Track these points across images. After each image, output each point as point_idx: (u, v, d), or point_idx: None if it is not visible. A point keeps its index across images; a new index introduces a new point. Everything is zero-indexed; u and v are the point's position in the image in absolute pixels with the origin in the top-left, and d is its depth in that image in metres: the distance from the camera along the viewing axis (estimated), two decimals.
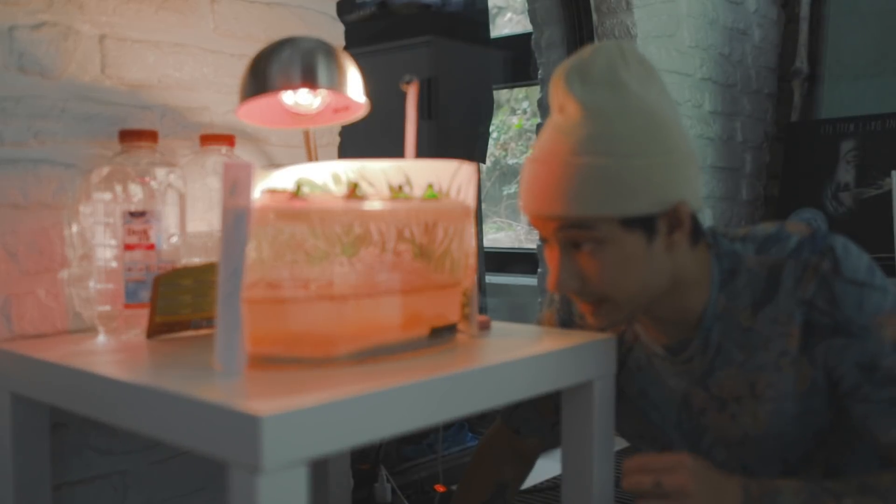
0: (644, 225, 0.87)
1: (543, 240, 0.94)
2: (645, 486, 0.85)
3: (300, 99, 1.04)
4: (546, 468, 1.57)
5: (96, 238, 1.00)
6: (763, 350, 0.94)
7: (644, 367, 1.03)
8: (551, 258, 0.93)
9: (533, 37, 2.45)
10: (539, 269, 2.46)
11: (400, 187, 0.87)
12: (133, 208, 0.98)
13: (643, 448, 1.10)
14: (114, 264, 0.99)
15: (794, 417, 0.93)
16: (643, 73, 0.90)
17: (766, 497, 0.85)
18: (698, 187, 0.92)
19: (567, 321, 1.12)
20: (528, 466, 1.22)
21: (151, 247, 0.99)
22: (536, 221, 0.91)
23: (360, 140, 1.55)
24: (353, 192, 0.82)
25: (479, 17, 3.05)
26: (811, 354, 0.91)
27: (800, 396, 0.92)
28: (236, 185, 0.75)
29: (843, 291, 0.89)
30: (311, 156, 1.18)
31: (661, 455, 0.88)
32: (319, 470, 1.31)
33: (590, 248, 0.88)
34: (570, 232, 0.88)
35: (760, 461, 0.97)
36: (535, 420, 1.16)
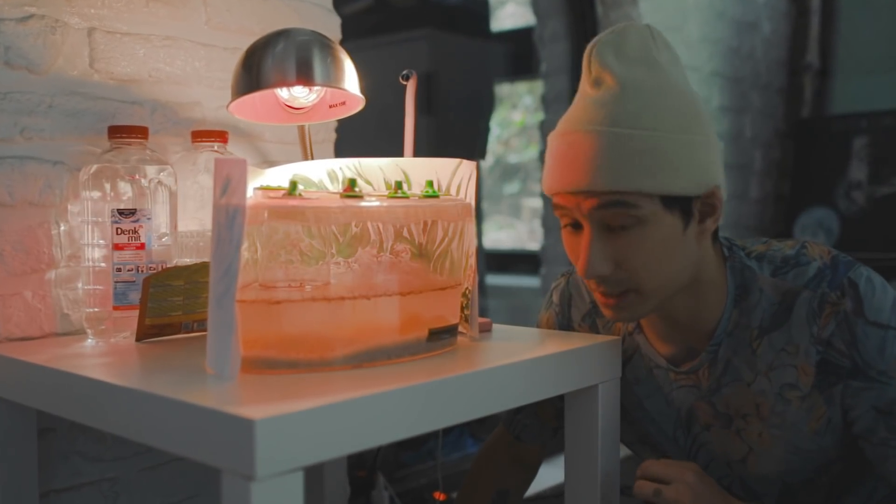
0: (682, 206, 0.87)
1: (570, 223, 0.91)
2: (647, 493, 0.87)
3: (295, 93, 1.04)
4: (549, 475, 1.57)
5: (84, 238, 1.00)
6: (764, 377, 0.93)
7: (642, 380, 1.03)
8: (576, 243, 0.90)
9: (535, 29, 2.45)
10: (542, 270, 2.46)
11: (398, 185, 0.87)
12: (122, 207, 0.98)
13: (645, 454, 1.10)
14: (102, 265, 0.99)
15: (802, 451, 0.93)
16: (671, 57, 0.91)
17: None
18: (722, 175, 0.92)
19: (565, 324, 1.12)
20: (531, 473, 1.22)
21: (141, 246, 0.99)
22: (568, 199, 0.88)
23: (357, 136, 1.55)
24: (350, 189, 0.82)
25: (480, 10, 3.05)
26: (828, 394, 0.90)
27: (812, 434, 0.92)
28: (229, 182, 0.75)
29: (865, 334, 0.87)
30: (307, 152, 1.18)
31: (669, 464, 0.89)
32: (315, 477, 1.31)
33: (627, 229, 0.86)
34: (610, 211, 0.85)
35: (760, 481, 0.97)
36: (537, 426, 1.16)
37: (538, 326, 1.16)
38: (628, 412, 1.05)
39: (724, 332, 0.94)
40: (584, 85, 0.90)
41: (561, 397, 1.05)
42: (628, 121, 0.85)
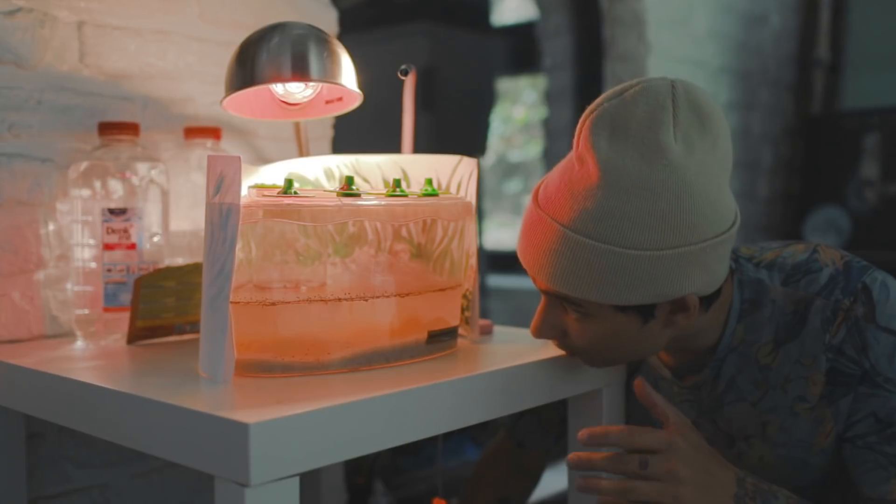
0: (640, 311, 0.84)
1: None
2: (629, 467, 0.81)
3: (291, 89, 1.04)
4: (552, 482, 1.57)
5: (74, 237, 1.00)
6: (780, 390, 0.92)
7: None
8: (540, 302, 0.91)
9: (538, 23, 2.45)
10: None
11: (396, 183, 0.87)
12: (113, 205, 0.98)
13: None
14: (92, 265, 0.99)
15: (807, 468, 0.92)
16: (693, 127, 0.81)
17: (761, 495, 0.83)
18: (724, 265, 0.86)
19: None
20: (533, 481, 1.22)
21: (132, 246, 0.99)
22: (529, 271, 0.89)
23: (355, 133, 1.55)
24: (347, 187, 0.82)
25: (481, 3, 3.05)
26: (836, 407, 0.89)
27: (819, 452, 0.91)
28: (222, 180, 0.75)
29: (875, 339, 0.86)
30: (302, 150, 1.18)
31: (649, 431, 0.83)
32: (311, 483, 1.31)
33: (576, 317, 0.86)
34: (558, 298, 0.86)
35: None
36: (539, 432, 1.16)
37: None
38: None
39: (726, 348, 0.93)
40: (573, 152, 0.85)
41: (564, 403, 1.05)
42: (591, 227, 0.80)
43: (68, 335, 1.07)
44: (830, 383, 0.89)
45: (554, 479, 1.55)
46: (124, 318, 0.97)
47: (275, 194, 0.78)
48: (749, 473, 0.85)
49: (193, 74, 1.20)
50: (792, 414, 0.91)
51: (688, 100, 0.81)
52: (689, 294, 0.83)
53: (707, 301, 0.87)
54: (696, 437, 0.84)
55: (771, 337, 0.92)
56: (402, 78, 1.07)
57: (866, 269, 0.90)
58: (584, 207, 0.81)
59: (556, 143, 2.43)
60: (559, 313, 0.88)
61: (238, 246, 0.74)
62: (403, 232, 0.86)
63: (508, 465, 1.20)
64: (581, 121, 0.83)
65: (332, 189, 0.96)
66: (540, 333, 0.90)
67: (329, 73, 0.96)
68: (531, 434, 1.17)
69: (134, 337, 0.96)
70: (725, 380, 0.94)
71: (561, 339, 0.90)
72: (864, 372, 0.87)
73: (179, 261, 1.09)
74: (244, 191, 0.77)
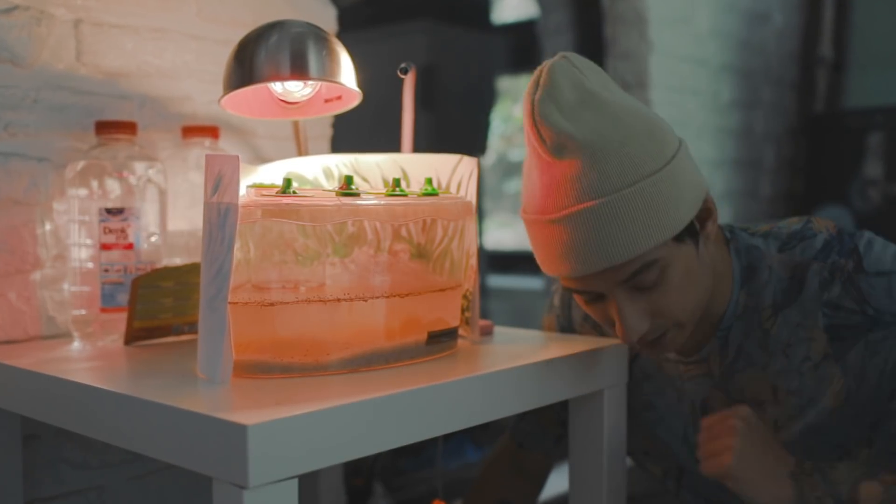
0: (689, 231, 0.87)
1: (590, 298, 0.91)
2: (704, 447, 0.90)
3: (289, 88, 1.04)
4: (554, 483, 1.57)
5: (71, 237, 1.00)
6: (783, 356, 0.94)
7: (652, 375, 1.04)
8: (603, 309, 0.91)
9: (538, 21, 2.45)
10: None
11: (396, 182, 0.87)
12: (110, 205, 0.98)
13: (648, 464, 1.10)
14: (89, 265, 0.99)
15: (822, 431, 0.93)
16: (599, 75, 0.89)
17: (819, 471, 0.87)
18: (699, 174, 0.91)
19: (567, 327, 1.12)
20: (536, 485, 1.22)
21: (130, 246, 0.99)
22: (587, 282, 0.87)
23: (354, 132, 1.55)
24: (346, 187, 0.82)
25: (481, 1, 3.05)
26: (844, 362, 0.91)
27: (832, 410, 0.92)
28: (220, 179, 0.75)
29: (870, 285, 0.90)
30: (301, 149, 1.18)
31: (722, 413, 0.90)
32: (310, 485, 1.31)
33: (654, 281, 0.86)
34: (636, 280, 0.86)
35: None
36: (539, 433, 1.16)
37: (542, 330, 1.16)
38: (637, 414, 1.06)
39: (732, 316, 0.95)
40: (542, 154, 0.85)
41: (564, 404, 1.05)
42: (615, 182, 0.83)
43: (65, 336, 1.07)
44: (834, 339, 0.91)
45: (554, 480, 1.55)
46: (121, 319, 0.97)
47: (273, 194, 0.78)
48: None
49: (191, 73, 1.20)
50: (798, 375, 0.93)
51: (581, 61, 0.89)
52: (706, 194, 0.89)
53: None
54: (754, 432, 0.89)
55: (769, 302, 0.94)
56: (402, 76, 1.07)
57: (856, 232, 0.94)
58: (595, 178, 0.83)
59: None
60: (636, 299, 0.87)
61: (236, 246, 0.74)
62: (403, 232, 0.86)
63: (511, 467, 1.20)
64: (529, 120, 0.86)
65: (331, 188, 0.96)
66: (634, 333, 0.88)
67: (328, 72, 0.96)
68: (530, 435, 1.17)
69: (131, 338, 0.96)
70: (734, 347, 0.96)
71: (653, 321, 0.88)
72: (870, 319, 0.90)
73: (177, 261, 1.09)
74: (242, 190, 0.77)
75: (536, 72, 0.87)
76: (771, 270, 0.94)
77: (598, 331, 1.08)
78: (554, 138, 0.84)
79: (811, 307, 0.92)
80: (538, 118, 0.84)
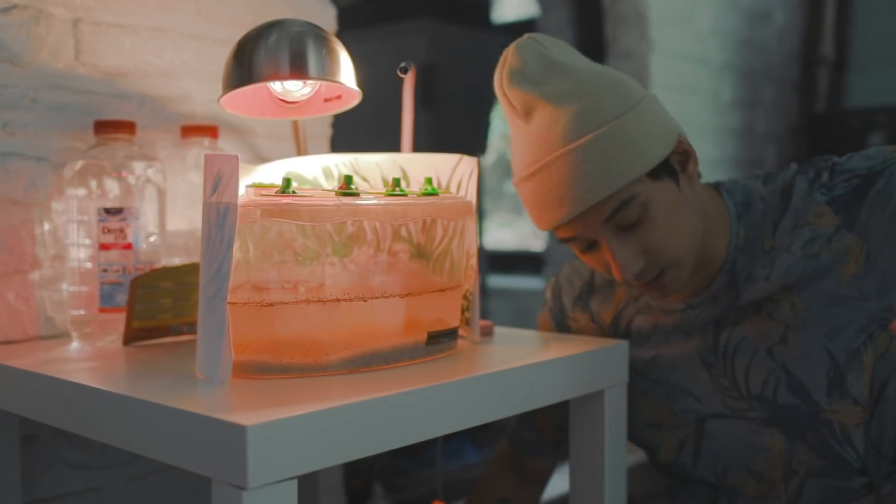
0: (666, 170, 0.93)
1: (584, 246, 0.96)
2: None
3: (289, 87, 1.04)
4: (554, 483, 1.57)
5: (69, 237, 1.00)
6: (786, 252, 0.98)
7: (650, 334, 1.06)
8: (598, 257, 0.96)
9: (539, 20, 2.45)
10: (546, 271, 2.46)
11: (396, 182, 0.87)
12: (109, 205, 0.98)
13: (663, 444, 1.07)
14: (88, 265, 0.99)
15: (841, 300, 0.95)
16: (565, 49, 0.96)
17: None
18: (669, 120, 0.97)
19: (560, 317, 1.14)
20: (537, 487, 1.22)
21: (129, 246, 0.99)
22: (575, 226, 0.93)
23: (354, 131, 1.55)
24: (346, 187, 0.82)
25: (481, 0, 3.05)
26: (857, 226, 0.95)
27: (851, 278, 0.94)
28: (220, 179, 0.75)
29: (852, 161, 0.98)
30: (301, 148, 1.18)
31: None
32: (309, 486, 1.31)
33: (638, 219, 0.92)
34: (618, 215, 0.91)
35: (806, 363, 0.95)
36: (535, 439, 1.16)
37: (536, 329, 1.16)
38: (643, 376, 1.06)
39: (735, 249, 1.00)
40: (516, 121, 0.95)
41: (563, 407, 1.05)
42: (581, 128, 0.90)
43: (64, 336, 1.07)
44: (839, 211, 0.96)
45: (555, 481, 1.55)
46: (120, 319, 0.97)
47: (273, 193, 0.78)
48: None
49: (190, 72, 1.20)
50: (808, 256, 0.97)
51: (545, 38, 0.96)
52: (680, 135, 0.95)
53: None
54: None
55: (770, 228, 1.00)
56: (402, 76, 1.07)
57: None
58: (565, 126, 0.90)
59: None
60: (624, 238, 0.93)
61: (235, 246, 0.74)
62: (403, 232, 0.86)
63: (510, 472, 1.21)
64: (501, 93, 0.96)
65: (330, 188, 0.96)
66: (629, 271, 0.93)
67: (328, 71, 0.96)
68: (528, 442, 1.17)
69: (130, 338, 0.96)
70: (742, 277, 1.00)
71: (644, 264, 0.93)
72: (864, 178, 0.96)
73: (176, 261, 1.09)
74: (242, 190, 0.77)
75: (504, 52, 0.96)
76: (764, 201, 1.01)
77: (588, 311, 1.09)
78: (522, 103, 0.93)
79: (803, 206, 0.98)
80: (507, 88, 0.93)
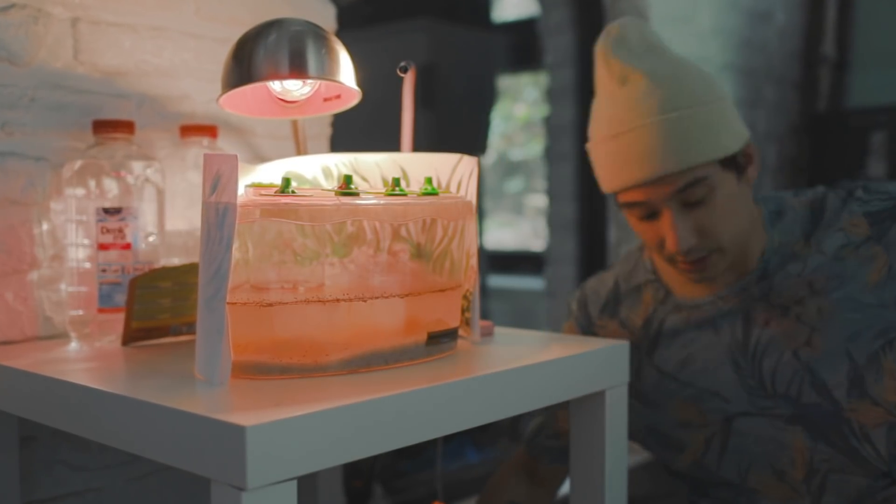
0: (734, 164, 1.03)
1: (644, 214, 1.04)
2: None
3: (288, 86, 1.04)
4: None
5: (68, 237, 1.00)
6: (819, 254, 1.05)
7: (681, 330, 1.09)
8: (653, 228, 1.04)
9: (539, 19, 2.45)
10: (546, 271, 2.47)
11: (396, 182, 0.87)
12: (108, 205, 0.98)
13: (690, 441, 1.10)
14: (87, 265, 0.99)
15: (863, 307, 1.00)
16: (659, 36, 1.07)
17: None
18: (740, 124, 1.07)
19: (586, 326, 1.18)
20: (550, 492, 1.23)
21: (127, 246, 0.99)
22: (645, 192, 1.01)
23: (353, 131, 1.55)
24: (345, 186, 0.82)
25: None
26: (887, 239, 1.02)
27: (873, 287, 1.01)
28: (219, 178, 0.75)
29: (887, 185, 1.07)
30: (300, 148, 1.18)
31: None
32: (308, 487, 1.31)
33: (703, 200, 1.01)
34: (688, 191, 1.00)
35: (828, 364, 1.01)
36: (556, 447, 1.18)
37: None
38: (672, 383, 1.09)
39: (771, 251, 1.07)
40: (609, 85, 1.04)
41: None
42: (673, 104, 1.00)
43: (62, 336, 1.07)
44: (873, 223, 1.04)
45: None
46: (119, 319, 0.97)
47: (272, 193, 0.78)
48: None
49: (189, 72, 1.20)
50: (837, 259, 1.04)
51: (644, 25, 1.06)
52: (748, 139, 1.06)
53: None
54: None
55: (800, 236, 1.07)
56: (402, 75, 1.07)
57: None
58: (658, 98, 1.00)
59: (557, 141, 2.43)
60: (686, 216, 1.02)
61: (235, 246, 0.74)
62: (403, 232, 0.85)
63: (524, 476, 1.22)
64: (601, 57, 1.05)
65: (330, 188, 0.96)
66: (683, 244, 1.01)
67: (327, 71, 0.96)
68: (549, 450, 1.18)
69: (129, 338, 0.96)
70: (773, 274, 1.07)
71: (697, 242, 1.02)
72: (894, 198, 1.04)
73: (175, 261, 1.09)
74: (241, 190, 0.77)
75: (607, 27, 1.07)
76: (794, 211, 1.09)
77: (616, 318, 1.10)
78: (621, 71, 1.02)
79: (837, 215, 1.06)
80: (609, 55, 1.03)
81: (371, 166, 1.02)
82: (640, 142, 1.00)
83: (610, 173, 1.04)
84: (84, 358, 0.92)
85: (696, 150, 0.99)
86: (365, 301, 0.81)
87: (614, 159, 1.02)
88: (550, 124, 2.45)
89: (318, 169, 1.02)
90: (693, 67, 1.04)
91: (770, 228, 1.08)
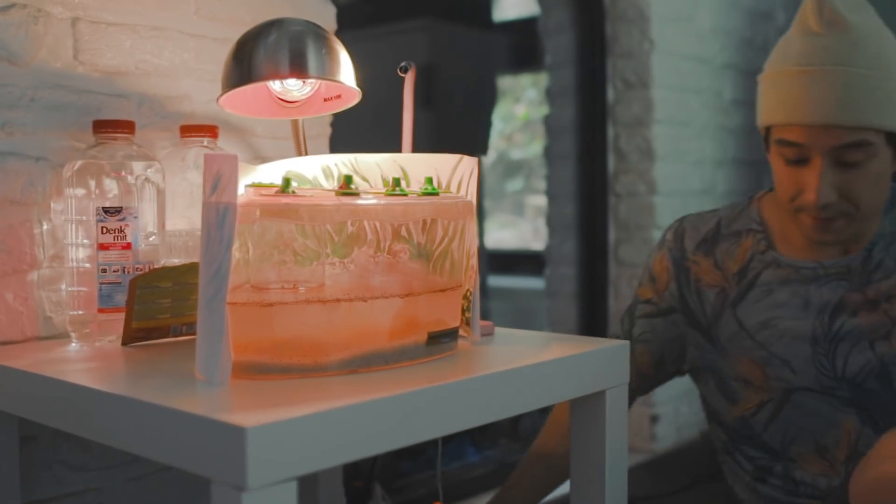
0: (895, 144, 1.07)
1: (794, 158, 1.07)
2: None
3: (288, 86, 1.04)
4: None
5: (68, 237, 1.00)
6: None
7: (775, 288, 1.12)
8: (796, 175, 1.07)
9: (539, 19, 2.45)
10: (546, 271, 2.47)
11: (396, 182, 0.87)
12: (108, 205, 0.98)
13: (741, 398, 1.12)
14: (87, 265, 0.99)
15: None
16: (868, 3, 1.11)
17: None
18: None
19: (679, 258, 1.20)
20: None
21: (128, 246, 0.99)
22: (807, 134, 1.04)
23: (354, 131, 1.55)
24: (346, 186, 0.82)
25: None
26: None
27: None
28: (219, 179, 0.75)
29: None
30: (301, 148, 1.18)
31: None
32: (309, 487, 1.31)
33: (858, 164, 1.04)
34: (851, 150, 1.03)
35: None
36: (634, 385, 1.18)
37: (649, 268, 1.23)
38: (747, 338, 1.12)
39: (879, 236, 1.12)
40: (811, 25, 1.08)
41: (657, 346, 1.14)
42: (867, 61, 1.03)
43: (62, 336, 1.07)
44: None
45: None
46: (119, 320, 0.97)
47: (272, 193, 0.78)
48: None
49: (190, 72, 1.20)
50: None
51: None
52: None
53: None
54: None
55: None
56: (402, 75, 1.07)
57: None
58: (855, 51, 1.03)
59: (557, 141, 2.42)
60: (836, 173, 1.05)
61: (235, 246, 0.74)
62: (403, 232, 0.86)
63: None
64: (814, 5, 1.10)
65: (330, 188, 0.96)
66: (823, 198, 1.04)
67: (327, 71, 0.96)
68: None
69: (129, 338, 0.96)
70: (875, 262, 1.11)
71: (836, 201, 1.05)
72: None
73: (175, 261, 1.09)
74: (241, 190, 0.77)
75: None
76: None
77: (710, 257, 1.16)
78: (830, 13, 1.06)
79: None
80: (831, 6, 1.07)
81: (371, 166, 1.03)
82: (825, 84, 1.02)
83: (782, 105, 1.06)
84: (84, 358, 0.92)
85: (875, 113, 1.02)
86: (365, 301, 0.81)
87: (790, 93, 1.05)
88: (550, 124, 2.45)
89: (319, 169, 1.02)
90: (891, 35, 1.07)
91: (885, 215, 1.13)
